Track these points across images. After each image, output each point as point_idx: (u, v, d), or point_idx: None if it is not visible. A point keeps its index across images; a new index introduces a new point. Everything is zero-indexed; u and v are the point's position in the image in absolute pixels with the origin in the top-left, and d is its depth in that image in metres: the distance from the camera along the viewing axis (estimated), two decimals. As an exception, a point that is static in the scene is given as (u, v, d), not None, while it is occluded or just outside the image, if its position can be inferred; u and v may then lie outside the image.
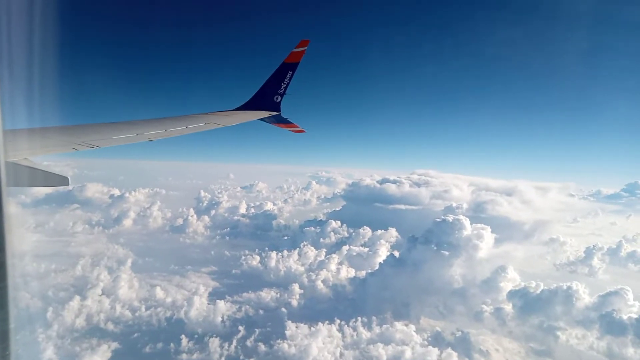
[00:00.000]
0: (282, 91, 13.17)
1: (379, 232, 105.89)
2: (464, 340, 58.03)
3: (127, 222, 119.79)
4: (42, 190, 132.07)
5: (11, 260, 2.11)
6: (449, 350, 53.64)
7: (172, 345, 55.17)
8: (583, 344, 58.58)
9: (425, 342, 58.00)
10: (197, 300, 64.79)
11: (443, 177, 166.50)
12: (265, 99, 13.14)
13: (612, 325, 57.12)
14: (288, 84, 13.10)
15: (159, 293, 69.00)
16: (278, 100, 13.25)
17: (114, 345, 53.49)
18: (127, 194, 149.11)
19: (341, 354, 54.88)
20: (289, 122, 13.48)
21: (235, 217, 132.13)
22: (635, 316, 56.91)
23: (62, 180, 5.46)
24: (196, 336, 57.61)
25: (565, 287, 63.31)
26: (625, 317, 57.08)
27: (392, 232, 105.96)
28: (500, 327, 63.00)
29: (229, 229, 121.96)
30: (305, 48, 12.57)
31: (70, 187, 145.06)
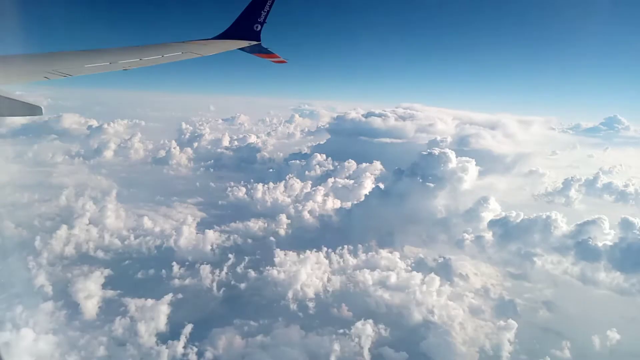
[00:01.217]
0: (262, 20, 12.53)
1: (364, 165, 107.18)
2: (445, 265, 60.52)
3: (108, 154, 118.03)
4: (18, 121, 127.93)
5: None
6: (432, 275, 55.94)
7: (163, 271, 56.12)
8: (558, 269, 61.83)
9: (409, 268, 60.45)
10: (186, 229, 65.25)
11: (428, 111, 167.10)
12: (245, 28, 12.52)
13: (587, 252, 60.07)
14: (268, 12, 12.48)
15: (147, 223, 69.17)
16: (258, 29, 12.62)
17: (107, 271, 54.19)
18: (105, 125, 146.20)
19: (329, 279, 56.85)
20: (269, 52, 12.93)
21: (219, 150, 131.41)
22: (609, 243, 59.92)
23: (35, 110, 5.34)
24: (187, 263, 58.59)
25: (544, 217, 65.78)
26: (600, 244, 60.02)
27: (377, 165, 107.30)
28: (479, 254, 65.79)
29: (212, 161, 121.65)
30: None
31: (45, 118, 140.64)
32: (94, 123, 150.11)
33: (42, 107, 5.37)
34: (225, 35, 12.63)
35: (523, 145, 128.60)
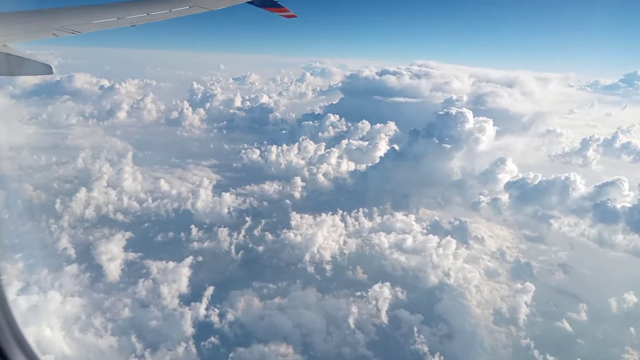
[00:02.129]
0: None
1: (378, 125, 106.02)
2: (461, 228, 60.62)
3: (121, 115, 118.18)
4: (30, 81, 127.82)
5: None
6: (448, 238, 56.12)
7: (182, 234, 57.13)
8: (575, 232, 61.59)
9: (425, 231, 60.65)
10: (203, 192, 65.81)
11: (443, 68, 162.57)
12: None
13: (604, 214, 59.52)
14: None
15: (164, 185, 69.90)
16: None
17: (127, 234, 55.27)
18: (117, 85, 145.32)
19: (345, 242, 57.39)
20: (278, 6, 11.92)
21: (231, 110, 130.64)
22: (628, 205, 59.23)
23: (45, 69, 5.39)
24: (205, 226, 59.43)
25: (562, 178, 64.96)
26: (618, 206, 59.35)
27: (391, 125, 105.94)
28: (495, 216, 65.72)
29: (225, 122, 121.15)
30: None
31: (57, 78, 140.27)
32: (106, 83, 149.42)
33: (53, 67, 5.43)
34: None
35: (540, 104, 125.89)
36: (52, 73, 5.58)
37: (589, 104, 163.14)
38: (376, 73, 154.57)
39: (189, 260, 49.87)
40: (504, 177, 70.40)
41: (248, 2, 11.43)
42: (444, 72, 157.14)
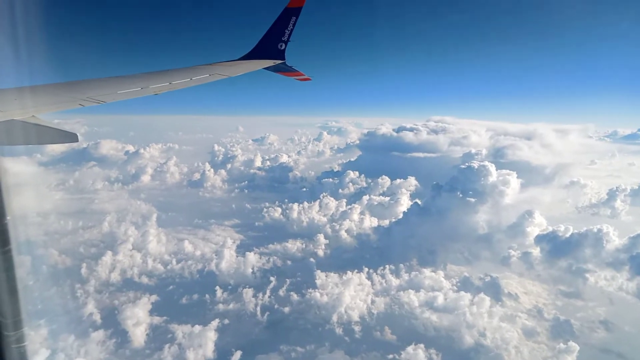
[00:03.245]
0: (286, 38, 12.49)
1: (398, 181, 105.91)
2: (492, 284, 58.61)
3: (145, 178, 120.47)
4: (58, 149, 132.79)
5: (13, 224, 2.29)
6: (481, 295, 54.10)
7: (207, 296, 56.35)
8: (612, 285, 59.05)
9: (455, 288, 58.71)
10: (227, 252, 65.54)
11: (460, 124, 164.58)
12: (269, 47, 12.52)
13: (643, 266, 57.20)
14: (292, 30, 12.40)
15: (188, 246, 69.92)
16: (282, 48, 12.60)
17: (153, 297, 54.70)
18: (141, 150, 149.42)
19: (372, 301, 55.79)
20: (294, 70, 12.90)
21: (252, 170, 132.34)
22: (668, 256, 56.87)
23: (71, 137, 5.58)
24: (230, 287, 58.70)
25: (594, 230, 63.08)
26: (657, 257, 57.02)
27: (412, 180, 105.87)
28: (527, 271, 63.64)
29: (246, 182, 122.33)
30: None
31: (84, 145, 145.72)
32: (131, 148, 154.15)
33: (80, 134, 5.55)
34: (251, 56, 12.73)
35: (561, 155, 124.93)
36: (77, 141, 5.76)
37: (609, 154, 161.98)
38: (393, 130, 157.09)
39: (215, 323, 48.81)
40: (533, 230, 68.67)
41: (264, 68, 12.22)
42: (461, 126, 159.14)
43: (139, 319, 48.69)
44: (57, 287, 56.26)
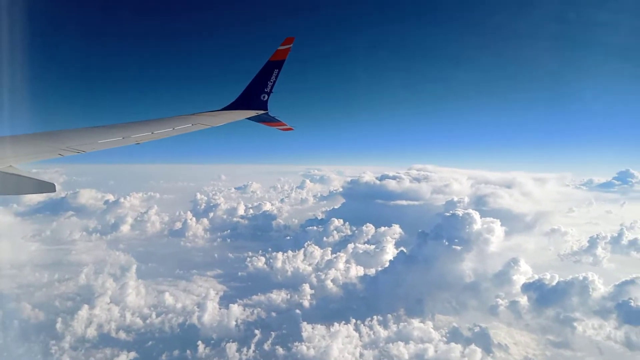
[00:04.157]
0: (268, 89, 13.01)
1: (383, 229, 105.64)
2: (482, 335, 57.66)
3: (125, 228, 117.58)
4: (35, 199, 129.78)
5: None
6: (472, 346, 53.01)
7: (188, 352, 53.87)
8: (600, 334, 58.47)
9: (444, 339, 57.51)
10: (209, 304, 63.47)
11: (441, 172, 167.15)
12: (252, 98, 13.00)
13: (629, 315, 57.16)
14: (274, 82, 12.94)
15: (168, 299, 67.53)
16: (265, 99, 13.09)
17: (132, 354, 51.99)
18: (121, 199, 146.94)
19: (361, 354, 54.10)
20: (276, 121, 13.37)
21: (234, 219, 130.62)
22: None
23: (49, 187, 5.48)
24: (212, 342, 56.36)
25: (580, 278, 63.34)
26: (643, 305, 57.17)
27: (396, 228, 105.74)
28: (516, 321, 62.90)
29: (229, 230, 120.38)
30: (291, 45, 12.37)
31: (63, 194, 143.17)
32: (110, 197, 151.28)
33: (58, 184, 5.30)
34: (234, 106, 13.06)
35: (541, 203, 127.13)
36: (55, 191, 5.58)
37: (586, 202, 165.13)
38: (376, 178, 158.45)
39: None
40: (519, 279, 68.58)
41: (247, 118, 12.54)
42: (442, 175, 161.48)
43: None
44: (30, 343, 53.28)
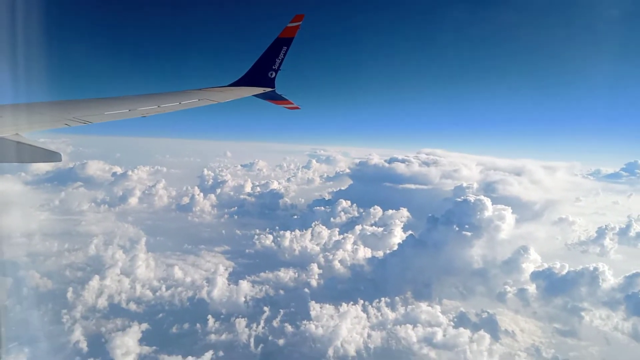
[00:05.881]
0: (276, 67, 12.88)
1: (390, 211, 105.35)
2: (490, 321, 57.92)
3: (133, 201, 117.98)
4: (43, 168, 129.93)
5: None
6: (481, 332, 53.27)
7: (198, 325, 54.39)
8: (608, 325, 58.74)
9: (452, 323, 57.78)
10: (218, 280, 63.85)
11: (450, 157, 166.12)
12: (260, 75, 12.91)
13: (638, 307, 57.18)
14: (282, 59, 12.77)
15: (177, 273, 68.00)
16: (272, 77, 12.97)
17: (144, 326, 52.50)
18: (129, 172, 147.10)
19: (369, 335, 54.46)
20: (283, 99, 13.26)
21: (241, 196, 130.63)
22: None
23: (55, 156, 5.58)
24: (222, 316, 56.89)
25: (590, 269, 63.21)
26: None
27: (404, 211, 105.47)
28: (523, 308, 63.09)
29: (236, 207, 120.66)
30: (300, 23, 12.14)
31: (71, 165, 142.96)
32: (118, 170, 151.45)
33: (65, 154, 4.90)
34: (241, 82, 13.00)
35: (550, 192, 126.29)
36: (60, 160, 5.73)
37: (594, 192, 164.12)
38: (385, 160, 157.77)
39: (209, 355, 46.93)
40: (528, 267, 68.54)
41: (254, 95, 12.46)
42: (452, 160, 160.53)
43: (128, 348, 46.57)
44: (41, 312, 53.84)
